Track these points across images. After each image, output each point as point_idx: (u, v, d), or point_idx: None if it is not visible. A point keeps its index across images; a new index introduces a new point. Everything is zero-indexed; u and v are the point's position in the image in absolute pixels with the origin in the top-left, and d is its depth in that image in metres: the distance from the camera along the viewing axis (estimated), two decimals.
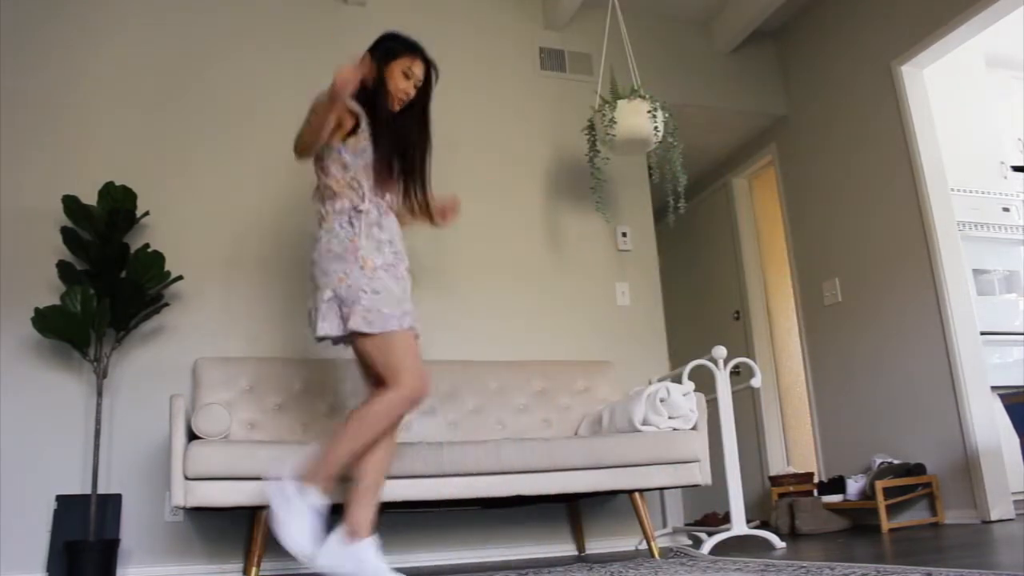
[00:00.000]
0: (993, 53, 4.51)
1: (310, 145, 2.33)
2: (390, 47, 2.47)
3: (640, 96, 3.41)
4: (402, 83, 2.43)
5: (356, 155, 2.33)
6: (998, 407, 3.36)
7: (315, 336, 2.28)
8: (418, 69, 2.46)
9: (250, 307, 3.28)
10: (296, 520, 2.10)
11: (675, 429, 2.98)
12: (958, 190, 3.96)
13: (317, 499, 2.12)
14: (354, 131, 2.34)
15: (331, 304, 2.23)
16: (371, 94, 2.39)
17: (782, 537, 3.15)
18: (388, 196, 2.40)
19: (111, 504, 2.89)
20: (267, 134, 3.50)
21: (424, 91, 2.50)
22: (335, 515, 2.22)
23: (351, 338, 2.25)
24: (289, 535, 2.10)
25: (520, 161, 3.91)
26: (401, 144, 2.43)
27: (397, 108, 2.45)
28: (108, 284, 2.86)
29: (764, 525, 3.76)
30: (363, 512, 2.20)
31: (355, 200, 2.31)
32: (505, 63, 4.04)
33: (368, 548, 2.17)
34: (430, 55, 2.50)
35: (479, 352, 3.51)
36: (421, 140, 2.51)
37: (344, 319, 2.21)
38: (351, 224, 2.28)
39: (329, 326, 2.23)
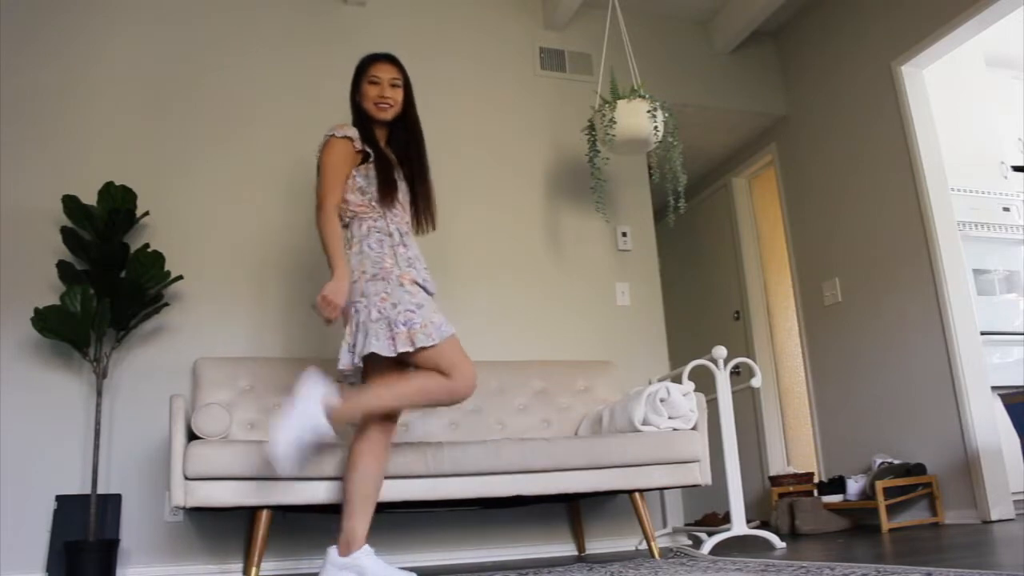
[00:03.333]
0: (993, 53, 4.51)
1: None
2: (354, 74, 2.56)
3: (640, 96, 3.41)
4: (373, 91, 2.49)
5: (369, 180, 2.42)
6: (998, 407, 3.36)
7: (356, 359, 2.27)
8: (381, 72, 2.50)
9: (250, 307, 3.28)
10: (296, 426, 2.16)
11: (675, 429, 2.98)
12: (958, 190, 3.95)
13: (326, 426, 2.17)
14: (366, 160, 2.44)
15: (380, 324, 2.25)
16: (361, 127, 2.50)
17: (782, 537, 3.15)
18: (403, 215, 2.46)
19: (111, 504, 2.89)
20: (267, 134, 3.51)
21: (406, 94, 2.55)
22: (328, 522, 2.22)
23: (409, 356, 2.25)
24: (282, 432, 2.15)
25: (520, 161, 3.91)
26: (398, 161, 2.51)
27: (386, 116, 2.50)
28: (108, 284, 2.86)
29: (764, 525, 3.76)
30: (359, 523, 2.24)
31: (377, 221, 2.39)
32: (505, 63, 4.04)
33: (366, 556, 2.21)
34: (394, 56, 2.55)
35: (479, 352, 3.48)
36: (414, 151, 2.55)
37: (393, 339, 2.22)
38: (379, 244, 2.36)
39: (380, 345, 2.22)
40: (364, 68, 2.54)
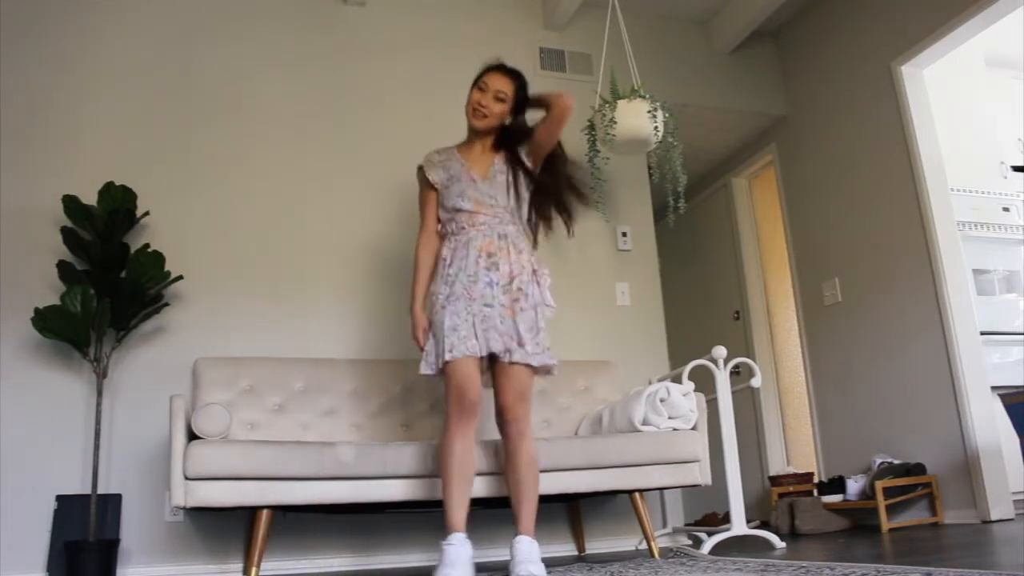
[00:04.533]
0: (993, 53, 4.52)
1: None
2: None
3: (640, 96, 3.41)
4: (475, 96, 2.51)
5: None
6: (998, 407, 3.36)
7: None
8: (491, 80, 2.51)
9: (250, 307, 3.28)
10: None
11: (675, 429, 2.98)
12: (958, 190, 3.95)
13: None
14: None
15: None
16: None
17: (782, 537, 3.15)
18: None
19: (111, 504, 2.89)
20: (268, 133, 3.51)
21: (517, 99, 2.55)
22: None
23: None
24: None
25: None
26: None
27: (479, 125, 2.52)
28: (108, 284, 2.86)
29: (764, 525, 3.76)
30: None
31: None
32: (505, 63, 4.02)
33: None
34: (515, 70, 2.57)
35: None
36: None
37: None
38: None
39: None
40: (480, 74, 2.54)
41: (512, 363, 2.35)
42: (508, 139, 2.55)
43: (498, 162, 2.53)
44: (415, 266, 2.56)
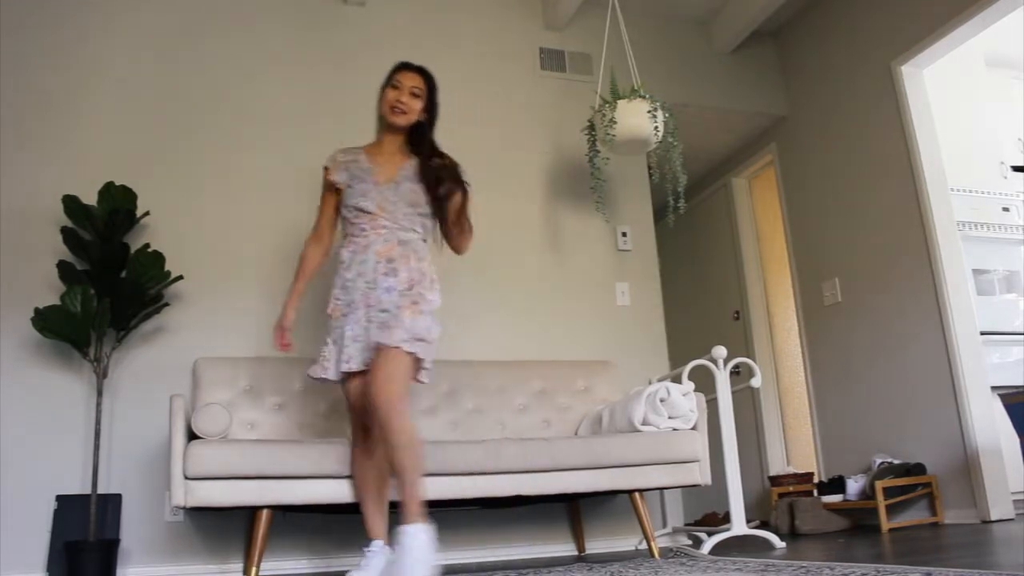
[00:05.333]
0: (993, 53, 4.51)
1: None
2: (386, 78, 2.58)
3: (640, 96, 3.41)
4: (391, 95, 2.51)
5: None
6: (998, 407, 3.36)
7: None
8: (405, 79, 2.51)
9: (250, 307, 3.28)
10: None
11: (675, 429, 2.98)
12: (958, 190, 3.95)
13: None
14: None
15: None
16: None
17: (782, 537, 3.15)
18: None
19: (111, 504, 2.89)
20: (268, 133, 3.51)
21: (428, 108, 2.54)
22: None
23: None
24: None
25: (520, 161, 3.91)
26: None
27: (399, 122, 2.49)
28: (108, 284, 2.86)
29: (764, 525, 3.76)
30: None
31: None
32: (505, 63, 4.04)
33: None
34: (425, 69, 2.56)
35: (479, 352, 3.51)
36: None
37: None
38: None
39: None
40: (391, 73, 2.55)
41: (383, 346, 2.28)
42: (419, 145, 2.52)
43: (407, 167, 2.50)
44: (299, 264, 2.60)
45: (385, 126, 2.54)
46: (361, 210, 2.43)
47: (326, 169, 2.55)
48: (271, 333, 3.31)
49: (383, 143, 2.55)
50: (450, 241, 2.56)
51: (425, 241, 2.51)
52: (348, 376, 2.37)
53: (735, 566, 2.33)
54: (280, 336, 2.53)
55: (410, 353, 2.27)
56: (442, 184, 2.45)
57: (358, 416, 2.42)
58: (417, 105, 2.50)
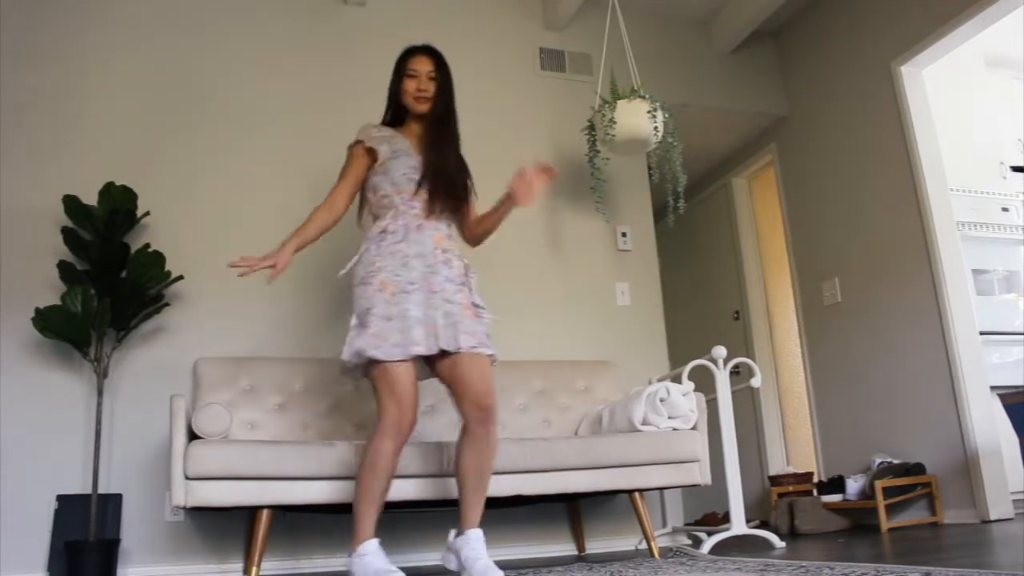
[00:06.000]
0: (993, 53, 4.51)
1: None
2: (394, 67, 2.53)
3: (640, 96, 3.41)
4: (411, 85, 2.47)
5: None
6: (998, 407, 3.36)
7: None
8: (420, 65, 2.48)
9: (250, 307, 3.28)
10: None
11: (675, 429, 2.99)
12: (958, 190, 3.96)
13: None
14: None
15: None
16: (397, 121, 2.52)
17: (782, 537, 3.15)
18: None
19: (111, 504, 2.89)
20: (268, 133, 3.51)
21: (443, 87, 2.49)
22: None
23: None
24: None
25: (520, 161, 3.89)
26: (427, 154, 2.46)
27: (423, 109, 2.46)
28: (108, 284, 2.86)
29: (764, 525, 3.76)
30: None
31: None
32: (505, 63, 4.04)
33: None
34: (434, 48, 2.52)
35: None
36: (446, 144, 2.49)
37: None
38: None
39: None
40: (403, 61, 2.50)
41: (476, 352, 2.25)
42: (439, 131, 2.48)
43: None
44: (307, 220, 2.38)
45: (408, 114, 2.51)
46: (410, 182, 2.35)
47: (358, 142, 2.46)
48: (271, 333, 3.33)
49: (409, 128, 2.51)
50: (473, 232, 2.59)
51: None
52: (403, 360, 2.19)
53: (735, 566, 2.33)
54: (265, 263, 2.24)
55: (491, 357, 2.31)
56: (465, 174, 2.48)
57: (408, 407, 2.20)
58: (435, 88, 2.47)
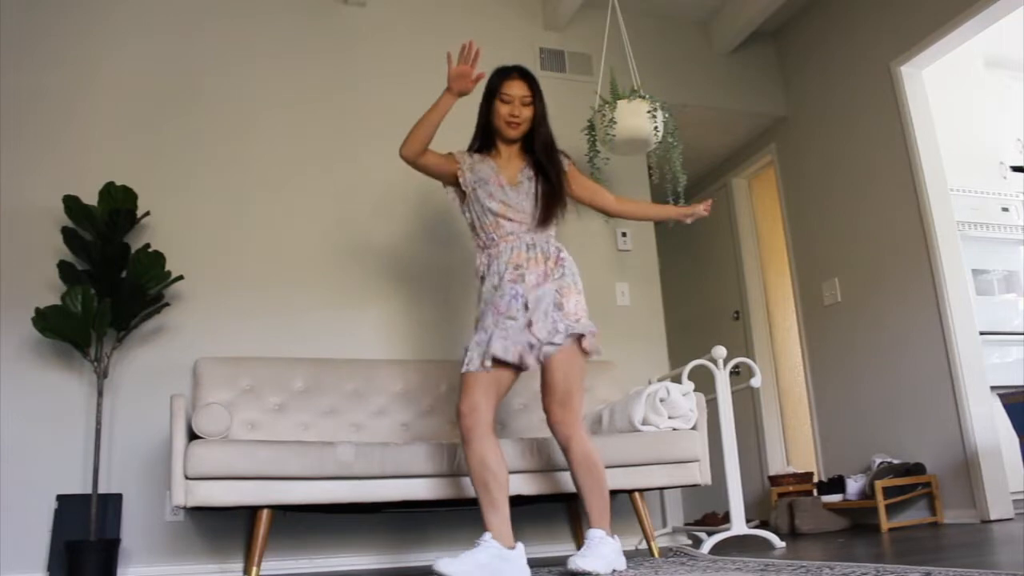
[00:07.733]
0: (992, 53, 4.52)
1: None
2: (486, 89, 2.57)
3: (640, 96, 3.41)
4: (504, 110, 2.50)
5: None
6: (997, 407, 3.36)
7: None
8: (513, 89, 2.51)
9: (250, 307, 3.28)
10: None
11: (675, 429, 2.99)
12: (957, 190, 3.96)
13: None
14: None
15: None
16: (486, 143, 2.58)
17: (782, 537, 3.15)
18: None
19: (112, 504, 2.89)
20: (268, 133, 3.51)
21: (537, 109, 2.54)
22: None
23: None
24: None
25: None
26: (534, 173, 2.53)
27: (515, 135, 2.51)
28: (109, 284, 2.86)
29: (764, 525, 3.76)
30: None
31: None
32: (505, 63, 4.02)
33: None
34: (526, 70, 2.58)
35: None
36: (548, 164, 2.54)
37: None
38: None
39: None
40: (496, 85, 2.52)
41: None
42: (533, 144, 2.54)
43: (525, 168, 2.52)
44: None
45: (500, 137, 2.54)
46: (488, 212, 2.45)
47: (452, 155, 2.53)
48: (272, 333, 3.33)
49: (500, 150, 2.55)
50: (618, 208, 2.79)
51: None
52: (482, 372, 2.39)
53: (735, 566, 2.33)
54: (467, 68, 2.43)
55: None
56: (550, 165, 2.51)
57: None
58: (528, 112, 2.50)
